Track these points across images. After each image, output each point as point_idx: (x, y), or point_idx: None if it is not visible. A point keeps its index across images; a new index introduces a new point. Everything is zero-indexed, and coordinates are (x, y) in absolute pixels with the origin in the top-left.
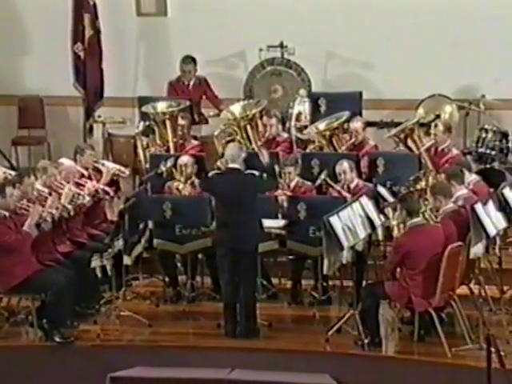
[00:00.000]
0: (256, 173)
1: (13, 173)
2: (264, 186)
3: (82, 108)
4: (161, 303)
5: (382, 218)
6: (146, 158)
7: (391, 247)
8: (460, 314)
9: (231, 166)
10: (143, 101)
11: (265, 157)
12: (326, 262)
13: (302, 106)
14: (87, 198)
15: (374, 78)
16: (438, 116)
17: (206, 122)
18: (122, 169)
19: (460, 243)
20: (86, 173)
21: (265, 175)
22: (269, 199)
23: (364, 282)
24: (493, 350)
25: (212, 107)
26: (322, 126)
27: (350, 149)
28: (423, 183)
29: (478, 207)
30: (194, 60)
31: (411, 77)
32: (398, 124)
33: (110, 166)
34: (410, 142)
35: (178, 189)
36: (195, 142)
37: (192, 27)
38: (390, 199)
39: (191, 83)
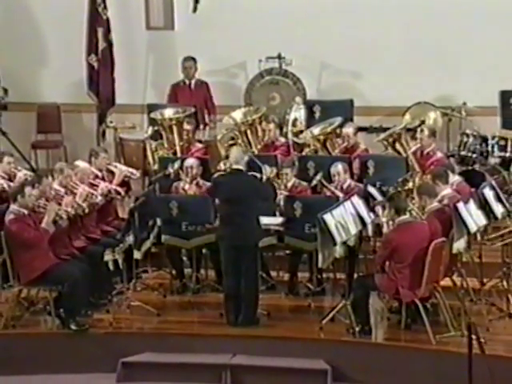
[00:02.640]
0: (257, 175)
1: (32, 174)
2: (265, 193)
3: (96, 114)
4: (168, 294)
5: (372, 216)
6: (155, 160)
7: (380, 242)
8: (443, 304)
9: (235, 167)
10: (152, 107)
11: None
12: (320, 256)
13: (298, 113)
14: (99, 198)
15: (365, 86)
16: (423, 122)
17: (206, 125)
18: (134, 171)
19: (444, 239)
20: (99, 174)
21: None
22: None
23: (355, 275)
24: (474, 337)
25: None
26: (316, 130)
27: (342, 152)
28: (410, 184)
29: (460, 206)
30: (193, 58)
31: (398, 86)
32: (387, 129)
33: (121, 169)
34: (397, 146)
35: (184, 189)
36: (200, 146)
37: (197, 40)
38: (380, 198)
39: (193, 82)
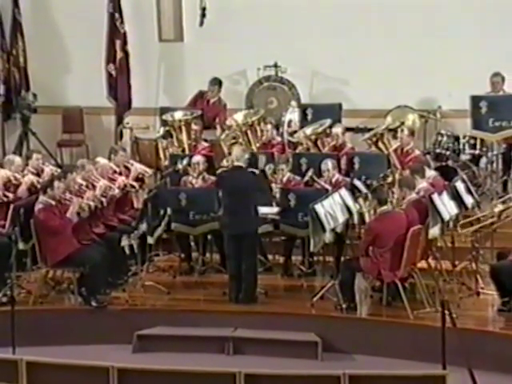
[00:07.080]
0: (256, 171)
1: (58, 170)
2: (260, 185)
3: (114, 116)
4: (177, 275)
5: (357, 206)
6: (166, 157)
7: (364, 230)
8: (420, 283)
9: (236, 164)
10: (163, 110)
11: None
12: (311, 241)
13: (292, 115)
14: (117, 190)
15: (351, 92)
16: (403, 123)
17: (215, 128)
18: (148, 170)
19: (420, 226)
20: (117, 169)
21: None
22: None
23: (343, 258)
24: (446, 312)
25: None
26: (308, 131)
27: (331, 150)
28: (391, 178)
29: (435, 197)
30: (219, 82)
31: (381, 91)
32: (371, 129)
33: (137, 167)
34: (380, 144)
35: (191, 182)
36: (206, 144)
37: (203, 51)
38: (364, 191)
39: (211, 101)
